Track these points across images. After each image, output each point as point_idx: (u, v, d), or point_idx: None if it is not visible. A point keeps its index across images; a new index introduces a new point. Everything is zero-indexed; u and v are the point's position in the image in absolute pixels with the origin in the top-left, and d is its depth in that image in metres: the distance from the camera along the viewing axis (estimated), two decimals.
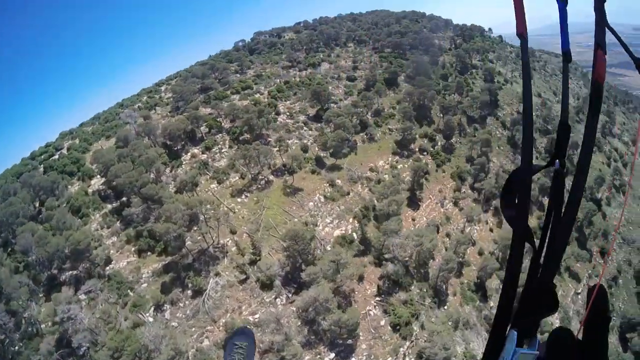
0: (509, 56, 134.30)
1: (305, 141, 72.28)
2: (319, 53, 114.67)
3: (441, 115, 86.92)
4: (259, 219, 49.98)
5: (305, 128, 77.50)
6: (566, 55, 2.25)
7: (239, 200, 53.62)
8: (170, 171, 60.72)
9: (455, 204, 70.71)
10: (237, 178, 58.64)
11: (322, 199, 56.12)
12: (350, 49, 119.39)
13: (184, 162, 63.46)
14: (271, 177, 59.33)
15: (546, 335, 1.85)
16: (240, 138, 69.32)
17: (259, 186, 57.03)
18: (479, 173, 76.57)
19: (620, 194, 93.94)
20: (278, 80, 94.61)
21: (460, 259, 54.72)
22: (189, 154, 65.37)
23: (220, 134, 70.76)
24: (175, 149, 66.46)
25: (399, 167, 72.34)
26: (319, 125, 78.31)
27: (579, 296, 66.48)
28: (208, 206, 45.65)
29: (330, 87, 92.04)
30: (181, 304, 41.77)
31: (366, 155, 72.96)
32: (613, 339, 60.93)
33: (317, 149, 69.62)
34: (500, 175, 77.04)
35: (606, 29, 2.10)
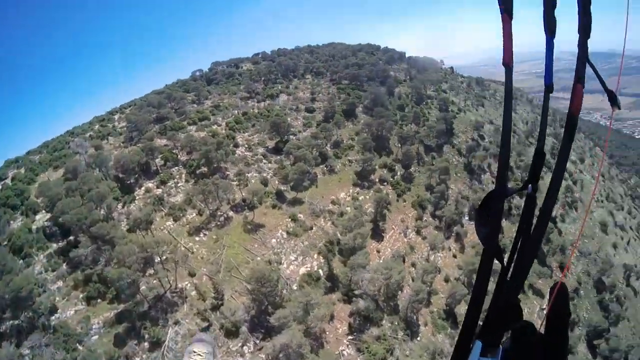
0: (461, 86, 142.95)
1: (264, 174, 71.93)
2: (277, 84, 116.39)
3: (399, 145, 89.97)
4: (219, 259, 48.54)
5: (264, 161, 77.31)
6: (549, 87, 2.35)
7: (197, 239, 51.93)
8: (123, 206, 58.07)
9: (418, 232, 72.32)
10: (194, 215, 56.98)
11: (285, 235, 55.57)
12: (308, 80, 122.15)
13: (137, 197, 61.01)
14: (230, 213, 58.18)
15: None
16: (198, 171, 68.04)
17: (218, 223, 55.65)
18: (439, 201, 79.20)
19: (573, 210, 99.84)
20: (236, 112, 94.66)
21: (428, 288, 55.48)
22: (142, 188, 63.07)
23: (176, 167, 69.13)
24: (129, 182, 63.95)
25: (360, 198, 73.38)
26: (279, 157, 78.46)
27: (544, 312, 69.47)
28: (165, 247, 43.52)
29: (289, 119, 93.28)
30: (137, 359, 38.91)
31: (327, 187, 73.56)
32: (582, 348, 64.42)
33: (277, 182, 69.40)
34: (460, 201, 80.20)
35: (587, 64, 2.25)
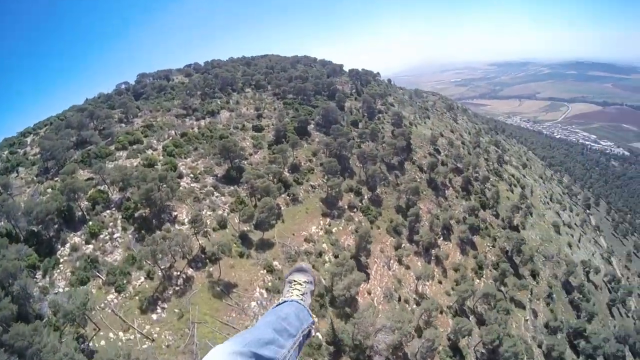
0: (404, 98, 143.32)
1: (220, 212, 61.46)
2: (216, 99, 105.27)
3: (360, 165, 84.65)
4: (191, 346, 37.17)
5: (216, 193, 66.31)
6: None
7: (154, 317, 39.91)
8: (44, 276, 43.92)
9: (400, 262, 67.36)
10: (142, 279, 44.87)
11: (265, 294, 45.81)
12: (249, 94, 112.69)
13: (61, 260, 46.60)
14: (190, 271, 47.07)
15: None
16: (137, 214, 55.47)
17: (177, 288, 44.16)
18: (414, 224, 74.93)
19: (530, 216, 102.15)
20: (173, 132, 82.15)
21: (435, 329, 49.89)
22: (67, 245, 48.57)
23: (108, 210, 55.57)
24: (48, 236, 49.39)
25: (334, 230, 66.06)
26: (233, 188, 68.49)
27: (529, 322, 69.58)
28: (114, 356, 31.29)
29: (235, 139, 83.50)
30: None
31: (295, 221, 65.19)
32: (565, 348, 63.83)
33: (237, 221, 59.42)
34: (436, 223, 76.60)
35: None
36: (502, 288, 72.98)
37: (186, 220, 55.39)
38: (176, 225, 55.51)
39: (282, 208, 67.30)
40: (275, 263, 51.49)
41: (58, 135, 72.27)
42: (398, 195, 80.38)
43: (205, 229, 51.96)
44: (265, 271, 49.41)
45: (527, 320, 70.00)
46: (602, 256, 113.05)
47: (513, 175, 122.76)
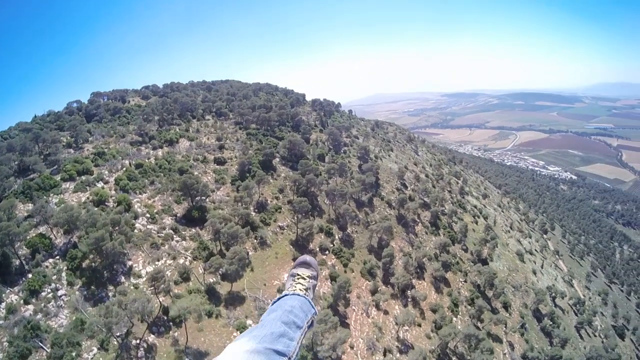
0: (366, 130, 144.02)
1: (182, 260, 56.10)
2: (175, 126, 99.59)
3: (329, 202, 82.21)
4: None
5: (176, 237, 60.85)
6: None
7: None
8: None
9: (378, 307, 64.76)
10: (95, 351, 38.71)
11: None
12: (210, 122, 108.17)
13: None
14: (151, 338, 41.43)
15: None
16: (85, 264, 48.78)
17: None
18: (388, 266, 72.88)
19: (498, 247, 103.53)
20: (127, 162, 75.80)
21: None
22: (2, 305, 41.38)
23: (51, 259, 48.37)
24: None
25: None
26: (194, 231, 63.43)
27: (507, 355, 69.16)
28: None
29: (195, 172, 78.50)
30: None
31: (264, 268, 61.00)
32: None
33: (201, 270, 54.35)
34: (410, 262, 75.02)
35: None
36: (479, 324, 72.27)
37: (143, 273, 49.81)
38: (132, 279, 49.72)
39: (250, 253, 62.90)
40: (249, 322, 46.85)
41: None
42: (370, 235, 78.42)
43: (167, 286, 46.40)
44: (238, 333, 44.70)
45: (505, 354, 69.70)
46: (564, 279, 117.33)
47: (475, 207, 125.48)
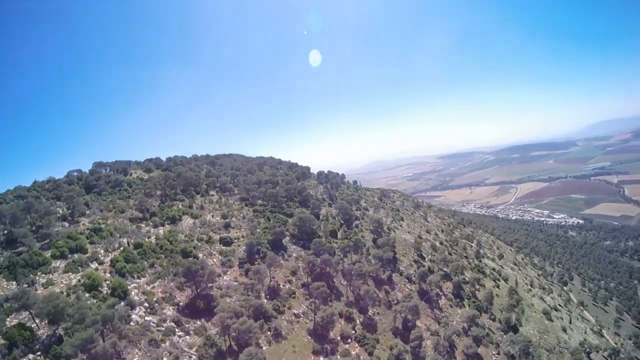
0: (374, 200, 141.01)
1: None
2: (177, 202, 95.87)
3: (346, 283, 76.63)
4: None
5: (179, 332, 53.44)
6: None
7: None
8: None
9: None
10: None
11: None
12: (214, 198, 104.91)
13: None
14: None
15: None
16: None
17: None
18: (417, 350, 65.87)
19: (523, 313, 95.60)
20: (125, 241, 70.72)
21: None
22: None
23: (31, 355, 40.85)
24: None
25: None
26: (199, 323, 56.68)
27: None
28: None
29: (200, 254, 73.44)
30: None
31: None
32: None
33: None
34: (440, 343, 68.03)
35: None
36: None
37: None
38: None
39: (264, 347, 56.44)
40: None
41: None
42: (394, 316, 72.09)
43: None
44: None
45: None
46: (593, 330, 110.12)
47: (494, 269, 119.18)
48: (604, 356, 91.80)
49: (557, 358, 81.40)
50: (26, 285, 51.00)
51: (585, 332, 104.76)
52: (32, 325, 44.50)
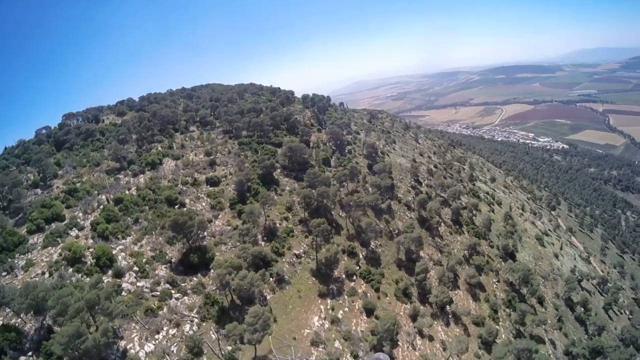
0: (363, 122, 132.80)
1: (187, 327, 43.56)
2: (156, 144, 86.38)
3: (345, 215, 71.46)
4: None
5: (176, 293, 47.77)
6: None
7: None
8: None
9: (421, 333, 55.51)
10: None
11: None
12: (195, 134, 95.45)
13: None
14: None
15: None
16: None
17: None
18: (423, 282, 63.06)
19: (520, 240, 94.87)
20: (104, 197, 63.20)
21: None
22: None
23: (23, 357, 35.62)
24: None
25: (340, 316, 51.83)
26: (195, 280, 50.96)
27: (552, 356, 62.61)
28: None
29: (187, 200, 66.66)
30: None
31: (289, 315, 49.80)
32: None
33: (213, 335, 42.82)
34: (447, 275, 65.52)
35: None
36: (521, 328, 64.35)
37: (142, 355, 38.32)
38: None
39: (268, 297, 51.85)
40: None
41: None
42: (397, 247, 68.28)
43: None
44: None
45: (550, 355, 62.12)
46: (582, 257, 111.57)
47: (487, 193, 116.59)
48: (593, 284, 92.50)
49: (552, 285, 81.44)
50: (5, 273, 45.30)
51: (575, 259, 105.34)
52: (18, 321, 38.65)
